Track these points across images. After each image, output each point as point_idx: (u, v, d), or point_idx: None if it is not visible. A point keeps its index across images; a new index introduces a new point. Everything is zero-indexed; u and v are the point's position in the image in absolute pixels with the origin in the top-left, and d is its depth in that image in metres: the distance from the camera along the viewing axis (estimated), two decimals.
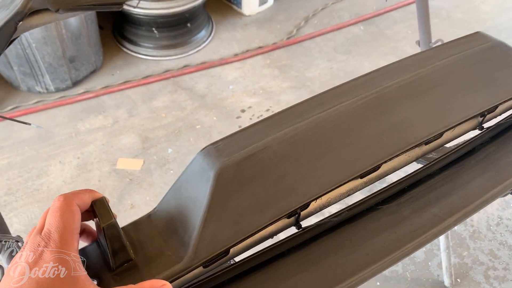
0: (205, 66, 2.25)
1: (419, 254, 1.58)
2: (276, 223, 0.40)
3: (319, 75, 2.26)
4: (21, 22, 0.40)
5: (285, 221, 0.42)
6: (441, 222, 0.45)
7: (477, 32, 0.53)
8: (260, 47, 2.40)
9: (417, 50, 1.19)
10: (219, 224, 0.38)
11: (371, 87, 0.47)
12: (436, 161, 0.52)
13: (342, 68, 2.31)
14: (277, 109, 2.06)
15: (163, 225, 0.41)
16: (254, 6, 2.59)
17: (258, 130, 0.43)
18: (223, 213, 0.39)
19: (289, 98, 2.13)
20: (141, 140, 1.90)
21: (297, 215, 0.43)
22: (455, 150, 0.53)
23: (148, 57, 2.29)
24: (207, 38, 2.42)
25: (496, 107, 0.51)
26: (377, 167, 0.44)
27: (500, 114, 0.55)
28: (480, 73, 0.51)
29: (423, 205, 0.47)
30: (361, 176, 0.44)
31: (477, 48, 0.51)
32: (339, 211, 0.46)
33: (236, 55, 2.34)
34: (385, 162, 0.44)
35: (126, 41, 2.33)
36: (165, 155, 1.84)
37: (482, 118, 0.53)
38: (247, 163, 0.41)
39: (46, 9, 0.41)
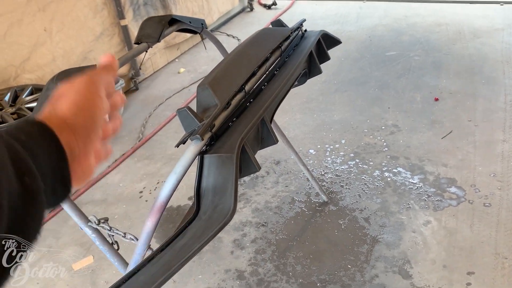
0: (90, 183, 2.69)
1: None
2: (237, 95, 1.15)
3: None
4: None
5: (240, 94, 1.16)
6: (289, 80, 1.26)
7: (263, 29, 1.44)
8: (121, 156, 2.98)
9: None
10: (222, 87, 1.10)
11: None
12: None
13: None
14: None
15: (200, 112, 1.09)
16: None
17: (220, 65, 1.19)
18: (220, 84, 1.11)
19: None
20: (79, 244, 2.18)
21: (244, 88, 1.17)
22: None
23: None
24: None
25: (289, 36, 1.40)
26: (262, 64, 1.25)
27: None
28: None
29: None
30: (259, 67, 1.23)
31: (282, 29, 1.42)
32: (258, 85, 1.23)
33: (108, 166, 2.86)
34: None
35: None
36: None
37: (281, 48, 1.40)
38: (220, 75, 1.15)
39: None
